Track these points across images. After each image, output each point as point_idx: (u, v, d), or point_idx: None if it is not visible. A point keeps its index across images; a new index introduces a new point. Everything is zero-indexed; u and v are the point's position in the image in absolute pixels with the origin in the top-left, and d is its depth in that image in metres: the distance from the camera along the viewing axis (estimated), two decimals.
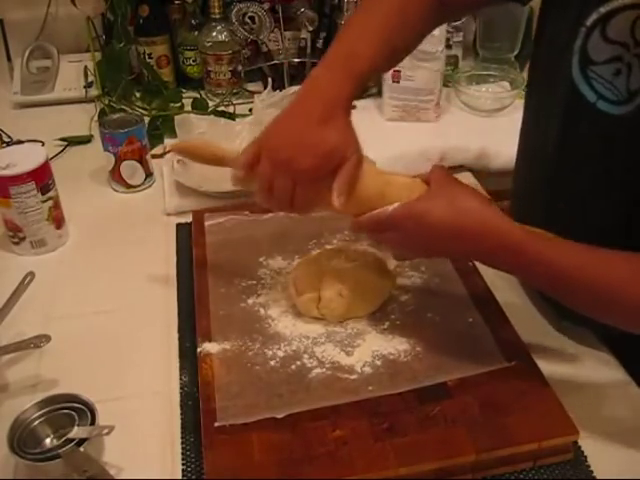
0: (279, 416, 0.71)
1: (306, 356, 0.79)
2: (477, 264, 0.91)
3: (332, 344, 0.80)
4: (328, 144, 0.72)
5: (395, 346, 0.80)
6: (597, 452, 0.71)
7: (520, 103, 0.98)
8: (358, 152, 0.75)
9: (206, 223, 1.01)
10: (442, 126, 1.31)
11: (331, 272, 0.85)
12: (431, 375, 0.75)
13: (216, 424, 0.70)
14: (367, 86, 0.87)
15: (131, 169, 1.14)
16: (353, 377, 0.76)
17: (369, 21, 0.80)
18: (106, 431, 0.69)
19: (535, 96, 0.88)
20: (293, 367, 0.78)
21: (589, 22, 0.72)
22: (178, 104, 1.41)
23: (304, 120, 0.74)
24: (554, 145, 0.82)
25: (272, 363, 0.78)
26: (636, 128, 0.71)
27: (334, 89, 0.75)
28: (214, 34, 1.43)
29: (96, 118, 1.33)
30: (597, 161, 0.77)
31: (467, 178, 1.18)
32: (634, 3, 0.69)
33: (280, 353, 0.79)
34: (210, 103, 1.41)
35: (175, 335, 0.86)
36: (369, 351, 0.79)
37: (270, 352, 0.80)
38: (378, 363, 0.77)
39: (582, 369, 0.80)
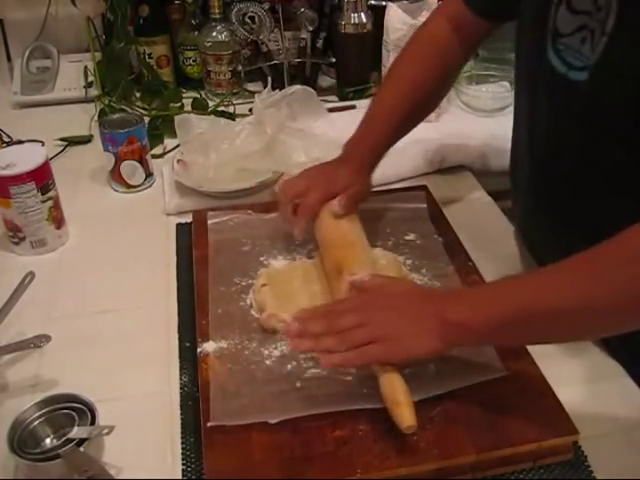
0: (272, 421, 0.70)
1: (302, 356, 0.78)
2: (477, 264, 0.91)
3: None
4: None
5: None
6: (597, 452, 0.70)
7: None
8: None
9: (209, 221, 1.01)
10: (442, 126, 1.31)
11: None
12: (429, 386, 0.73)
13: (208, 424, 0.70)
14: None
15: (131, 169, 1.14)
16: (348, 378, 0.75)
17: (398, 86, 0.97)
18: (106, 431, 0.69)
19: (522, 83, 0.90)
20: (289, 367, 0.77)
21: None
22: (178, 104, 1.42)
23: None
24: (542, 128, 0.85)
25: (268, 362, 0.78)
26: (598, 88, 0.73)
27: None
28: (214, 34, 1.43)
29: (96, 118, 1.33)
30: (581, 136, 0.77)
31: (467, 178, 1.18)
32: None
33: (276, 352, 0.79)
34: (210, 103, 1.41)
35: (175, 335, 0.86)
36: None
37: (266, 351, 0.79)
38: None
39: (582, 369, 0.79)
